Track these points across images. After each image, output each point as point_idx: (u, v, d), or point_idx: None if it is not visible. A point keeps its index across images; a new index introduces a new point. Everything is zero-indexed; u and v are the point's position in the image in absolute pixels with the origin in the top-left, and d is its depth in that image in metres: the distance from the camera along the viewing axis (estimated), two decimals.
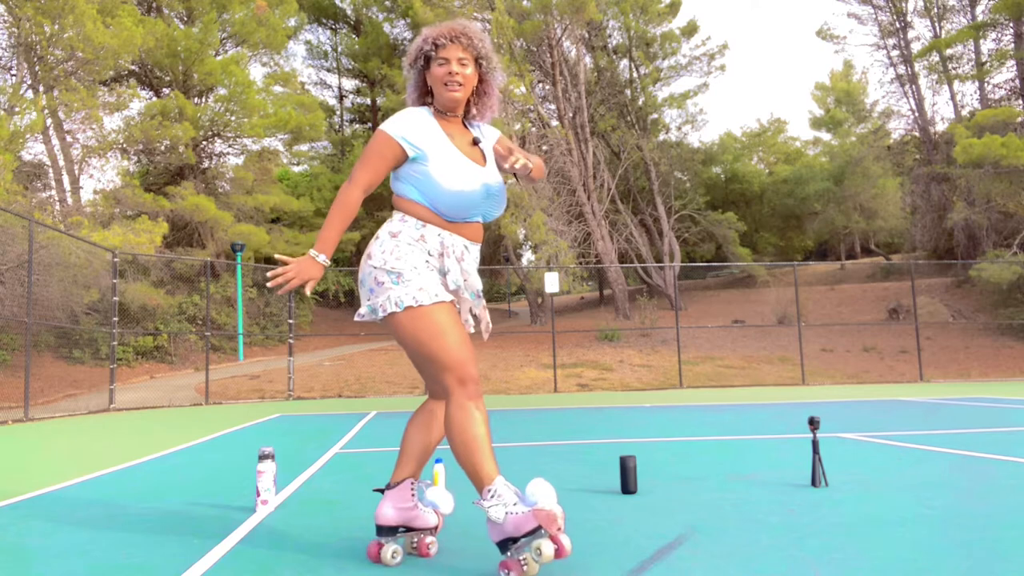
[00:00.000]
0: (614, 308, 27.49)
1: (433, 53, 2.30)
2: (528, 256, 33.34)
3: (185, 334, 20.47)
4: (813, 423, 3.46)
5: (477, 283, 2.38)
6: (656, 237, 31.76)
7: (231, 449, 5.73)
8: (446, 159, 2.26)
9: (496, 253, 36.00)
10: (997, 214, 25.31)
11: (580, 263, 25.70)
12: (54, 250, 13.99)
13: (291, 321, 15.41)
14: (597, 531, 2.64)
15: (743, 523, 2.73)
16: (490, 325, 2.53)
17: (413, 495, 2.35)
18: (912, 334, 18.00)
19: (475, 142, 2.39)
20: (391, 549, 2.28)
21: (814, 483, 3.51)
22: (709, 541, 2.46)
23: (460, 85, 2.30)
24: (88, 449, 5.99)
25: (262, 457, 3.08)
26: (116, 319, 12.86)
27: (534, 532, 1.97)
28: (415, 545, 2.39)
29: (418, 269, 2.22)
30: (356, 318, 2.33)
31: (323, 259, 2.23)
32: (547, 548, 1.96)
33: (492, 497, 2.04)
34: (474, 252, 2.40)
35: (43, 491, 3.83)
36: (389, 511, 2.32)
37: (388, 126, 2.29)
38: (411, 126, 2.28)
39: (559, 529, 1.99)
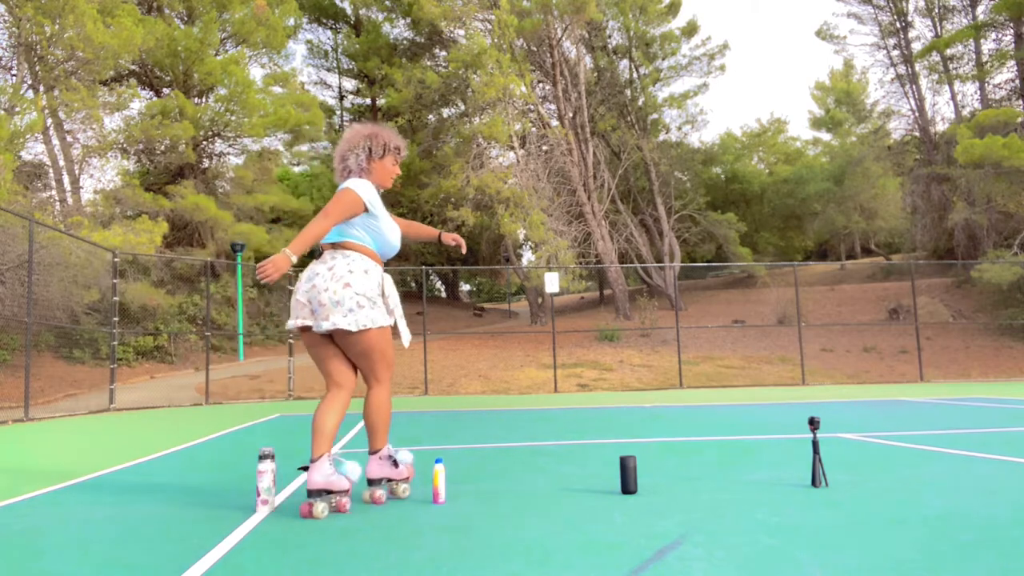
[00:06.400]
0: (614, 308, 27.48)
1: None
2: (528, 256, 33.34)
3: (185, 334, 20.47)
4: (813, 423, 3.46)
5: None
6: (656, 237, 31.74)
7: (231, 449, 5.73)
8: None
9: (496, 253, 35.97)
10: (997, 214, 25.30)
11: (580, 263, 25.69)
12: (54, 250, 13.98)
13: None
14: (597, 531, 2.64)
15: (743, 523, 2.73)
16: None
17: (332, 466, 3.06)
18: (912, 334, 18.00)
19: None
20: (320, 507, 2.94)
21: (814, 483, 3.50)
22: (709, 541, 2.46)
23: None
24: (88, 449, 5.99)
25: (262, 457, 3.09)
26: (116, 319, 12.86)
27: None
28: (335, 504, 3.06)
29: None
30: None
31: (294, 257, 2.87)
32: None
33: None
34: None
35: (43, 491, 3.83)
36: (318, 478, 2.99)
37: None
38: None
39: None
